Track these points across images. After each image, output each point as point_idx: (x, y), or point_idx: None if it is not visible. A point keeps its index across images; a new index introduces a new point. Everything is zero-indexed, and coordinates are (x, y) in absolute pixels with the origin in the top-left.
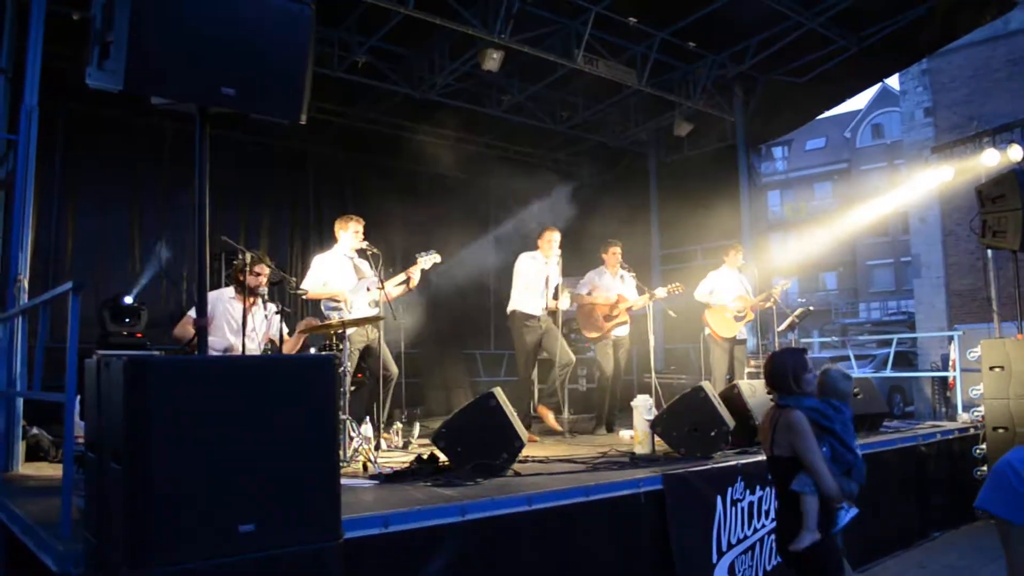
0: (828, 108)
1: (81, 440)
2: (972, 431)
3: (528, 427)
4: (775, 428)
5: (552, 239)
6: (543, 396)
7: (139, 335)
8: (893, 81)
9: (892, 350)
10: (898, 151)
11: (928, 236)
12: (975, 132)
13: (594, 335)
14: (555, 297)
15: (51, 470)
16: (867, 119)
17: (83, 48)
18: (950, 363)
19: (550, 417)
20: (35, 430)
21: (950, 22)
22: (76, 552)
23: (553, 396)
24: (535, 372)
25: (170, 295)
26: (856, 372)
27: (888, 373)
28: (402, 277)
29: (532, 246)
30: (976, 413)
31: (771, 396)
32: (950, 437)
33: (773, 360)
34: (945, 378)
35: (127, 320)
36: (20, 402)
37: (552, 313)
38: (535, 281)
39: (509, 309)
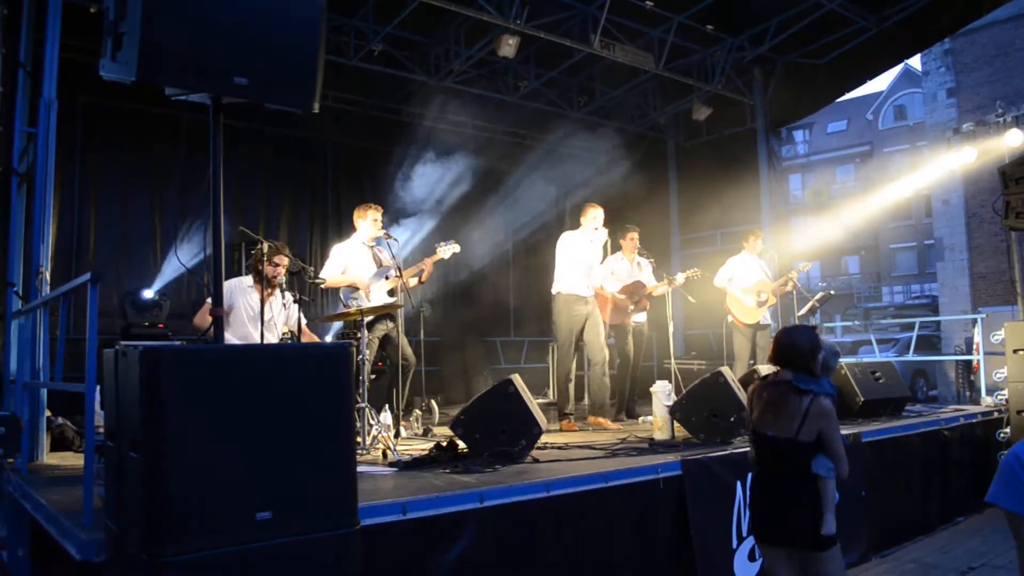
0: (849, 90)
1: (102, 430)
2: (996, 415)
3: (567, 416)
4: (806, 415)
5: (592, 215)
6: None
7: (161, 326)
8: (915, 62)
9: (915, 334)
10: (921, 133)
11: (951, 218)
12: (999, 112)
13: (616, 321)
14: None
15: (75, 459)
16: (889, 100)
17: (100, 40)
18: (974, 346)
19: (605, 423)
20: (60, 420)
21: (972, 1)
22: (97, 540)
23: (603, 402)
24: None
25: (191, 285)
26: (879, 356)
27: (911, 357)
28: (420, 267)
29: (550, 231)
30: (1000, 397)
31: (772, 374)
32: (973, 421)
33: (792, 336)
34: (969, 362)
35: (149, 311)
36: (44, 393)
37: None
38: (579, 261)
39: (554, 290)
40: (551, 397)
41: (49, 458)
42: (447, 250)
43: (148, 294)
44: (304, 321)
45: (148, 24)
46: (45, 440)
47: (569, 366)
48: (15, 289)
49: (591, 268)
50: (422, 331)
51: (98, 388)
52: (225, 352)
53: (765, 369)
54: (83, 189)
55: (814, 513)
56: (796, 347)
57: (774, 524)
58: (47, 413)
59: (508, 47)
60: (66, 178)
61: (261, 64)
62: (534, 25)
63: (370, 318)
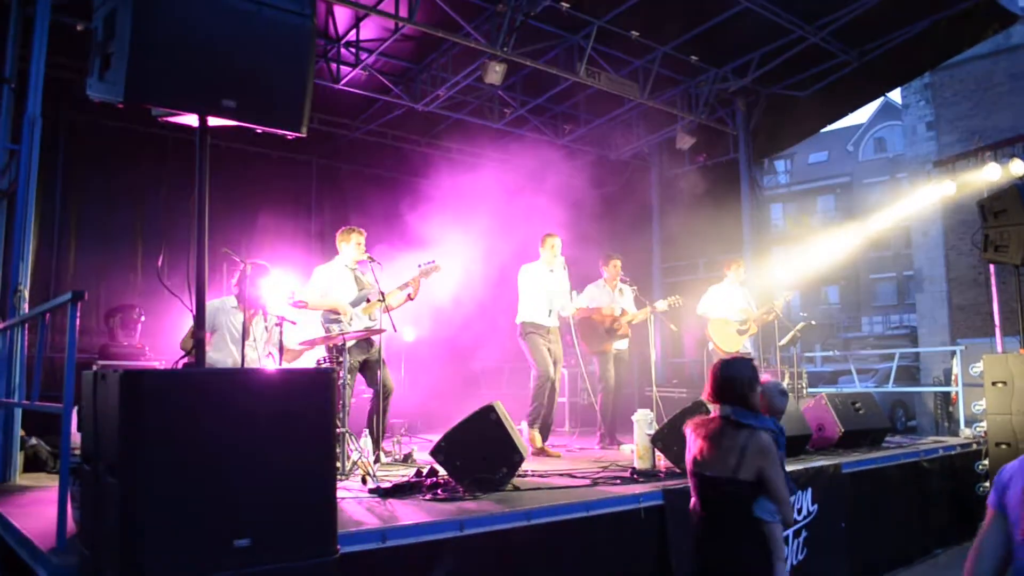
0: (831, 122)
1: (78, 452)
2: (975, 446)
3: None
4: (744, 451)
5: (551, 244)
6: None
7: (140, 345)
8: (895, 95)
9: (895, 364)
10: (900, 165)
11: (930, 250)
12: (977, 146)
13: (596, 348)
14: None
15: (49, 481)
16: (869, 133)
17: (86, 59)
18: (952, 378)
19: (537, 441)
20: (34, 440)
21: (952, 36)
22: (71, 565)
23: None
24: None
25: (172, 304)
26: (858, 386)
27: (890, 388)
28: (403, 287)
29: (531, 257)
30: (979, 428)
31: (709, 408)
32: (952, 453)
33: (729, 368)
34: (948, 393)
35: (128, 330)
36: (19, 412)
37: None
38: (539, 290)
39: (517, 320)
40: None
41: (21, 479)
42: (428, 270)
43: (128, 312)
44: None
45: (137, 45)
46: (19, 460)
47: (549, 389)
48: None
49: (553, 297)
50: (403, 356)
51: (75, 409)
52: (206, 376)
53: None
54: (64, 206)
55: (762, 561)
56: (734, 379)
57: (720, 573)
58: (20, 433)
59: (495, 74)
60: (47, 195)
61: (250, 86)
62: (521, 53)
63: (352, 343)
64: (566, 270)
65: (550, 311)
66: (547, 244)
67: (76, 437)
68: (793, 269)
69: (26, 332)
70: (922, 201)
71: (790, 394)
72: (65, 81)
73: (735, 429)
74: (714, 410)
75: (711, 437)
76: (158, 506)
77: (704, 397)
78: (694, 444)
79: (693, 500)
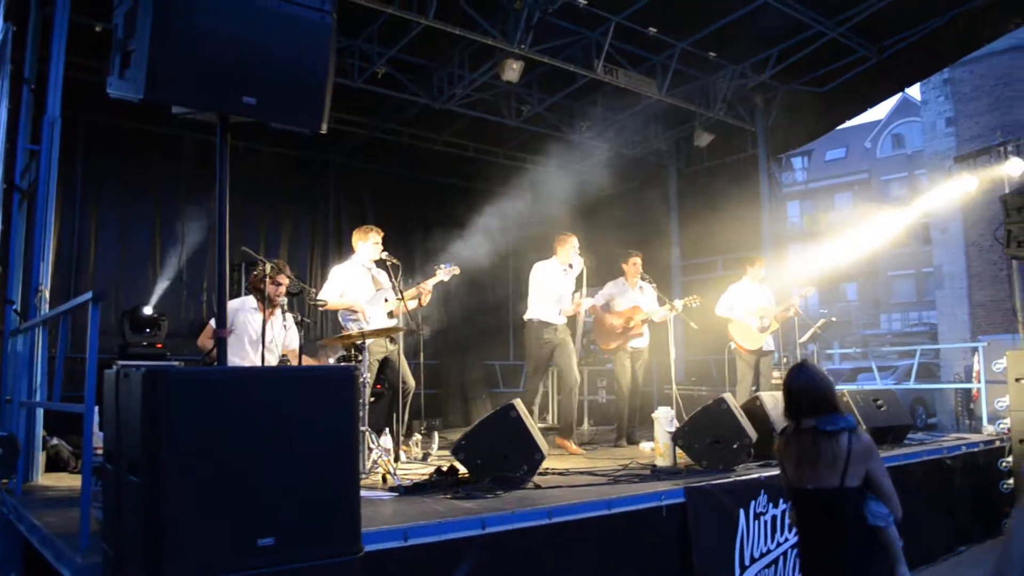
0: (849, 118)
1: (100, 451)
2: (998, 443)
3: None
4: (849, 457)
5: (567, 243)
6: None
7: (159, 345)
8: (914, 91)
9: (916, 361)
10: (919, 161)
11: (950, 247)
12: (998, 141)
13: (611, 346)
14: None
15: (71, 481)
16: (888, 129)
17: (105, 59)
18: (974, 374)
19: (570, 446)
20: (55, 440)
21: (972, 31)
22: (94, 564)
23: (563, 419)
24: (550, 383)
25: (190, 305)
26: (879, 383)
27: (911, 385)
28: (419, 289)
29: (550, 256)
30: (1002, 425)
31: (789, 424)
32: (975, 450)
33: (814, 376)
34: (968, 390)
35: (147, 330)
36: (40, 413)
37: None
38: (550, 290)
39: (526, 316)
40: (551, 422)
41: (43, 479)
42: (447, 272)
43: (147, 311)
44: (300, 343)
45: (157, 42)
46: (40, 460)
47: (536, 390)
48: (14, 307)
49: (561, 297)
50: (421, 354)
51: (96, 409)
52: (228, 375)
53: (767, 396)
54: (83, 207)
55: (881, 570)
56: (820, 386)
57: None
58: (42, 433)
59: (512, 71)
60: (67, 196)
61: (270, 84)
62: (538, 50)
63: (370, 341)
64: (583, 270)
65: (560, 310)
66: (565, 243)
67: (98, 437)
68: (811, 267)
69: (47, 333)
70: (942, 197)
71: None
72: (84, 82)
73: (829, 437)
74: (793, 424)
75: (804, 450)
76: (181, 505)
77: (783, 414)
78: (789, 459)
79: (792, 514)
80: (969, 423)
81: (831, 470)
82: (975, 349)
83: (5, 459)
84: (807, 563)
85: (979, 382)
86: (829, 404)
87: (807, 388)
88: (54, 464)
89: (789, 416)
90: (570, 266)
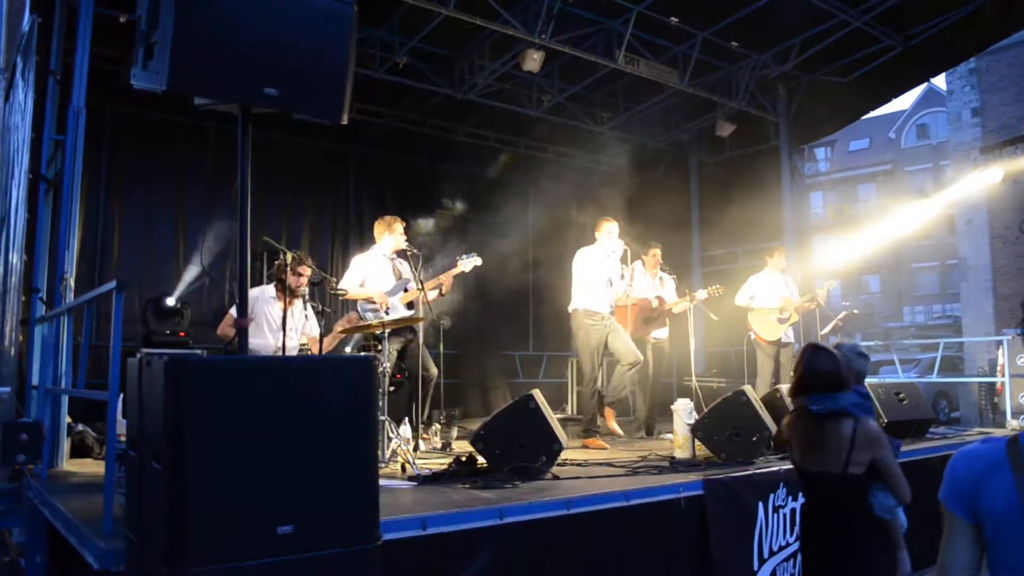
0: (873, 108)
1: (124, 438)
2: None
3: (594, 434)
4: (853, 444)
5: (608, 228)
6: (608, 397)
7: (182, 334)
8: (939, 81)
9: (939, 354)
10: (944, 152)
11: (975, 238)
12: None
13: (633, 336)
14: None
15: (95, 467)
16: (912, 119)
17: (129, 50)
18: (998, 368)
19: (611, 420)
20: (80, 427)
21: (1000, 20)
22: (117, 550)
23: (618, 397)
24: (568, 373)
25: (212, 293)
26: (901, 376)
27: (934, 378)
28: (440, 279)
29: (570, 246)
30: None
31: (799, 401)
32: None
33: (814, 359)
34: (992, 383)
35: (170, 319)
36: (65, 399)
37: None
38: (595, 276)
39: (571, 307)
40: (569, 412)
41: (68, 465)
42: (468, 263)
43: (170, 301)
44: (320, 331)
45: (180, 34)
46: (65, 446)
47: (594, 383)
48: (40, 295)
49: (610, 282)
50: (441, 344)
51: (120, 396)
52: (250, 363)
53: (787, 388)
54: (108, 197)
55: (881, 559)
56: (837, 366)
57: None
58: (67, 419)
59: (533, 62)
60: (92, 185)
61: (292, 75)
62: (559, 40)
63: (390, 330)
64: (625, 254)
65: (609, 298)
66: (603, 228)
67: (121, 424)
68: (834, 258)
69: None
70: (967, 188)
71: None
72: (109, 72)
73: (834, 421)
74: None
75: (808, 431)
76: (202, 492)
77: (791, 391)
78: (795, 439)
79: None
80: (993, 417)
81: (835, 455)
82: (999, 343)
83: (30, 445)
84: (809, 544)
85: (1003, 376)
86: (838, 386)
87: (820, 369)
88: (79, 450)
89: (796, 395)
90: (613, 252)
